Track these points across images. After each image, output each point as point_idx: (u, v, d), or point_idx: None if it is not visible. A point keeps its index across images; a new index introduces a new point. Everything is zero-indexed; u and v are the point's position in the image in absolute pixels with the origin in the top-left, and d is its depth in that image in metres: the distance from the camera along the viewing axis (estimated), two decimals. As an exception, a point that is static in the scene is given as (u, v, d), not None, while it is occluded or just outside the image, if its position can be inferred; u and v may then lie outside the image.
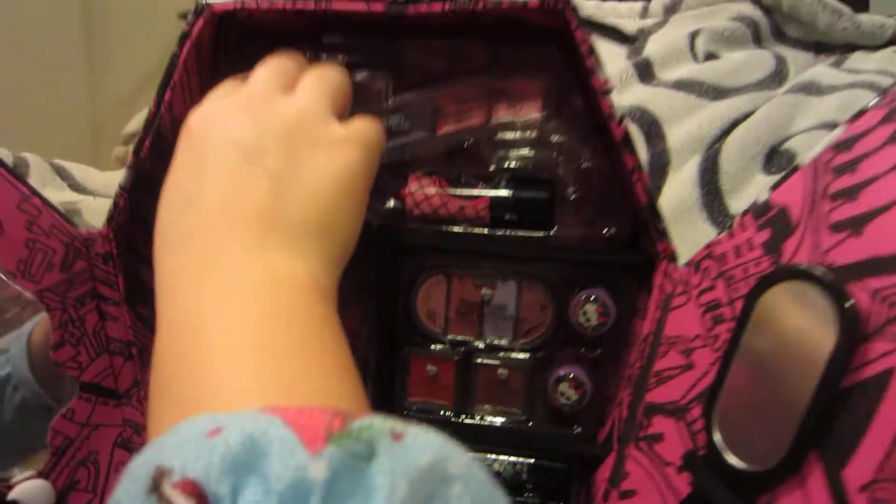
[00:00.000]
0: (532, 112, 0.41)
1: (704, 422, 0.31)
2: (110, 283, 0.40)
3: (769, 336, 0.29)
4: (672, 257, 0.37)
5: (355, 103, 0.39)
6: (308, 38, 0.42)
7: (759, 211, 0.31)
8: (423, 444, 0.19)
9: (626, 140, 0.36)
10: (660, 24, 0.68)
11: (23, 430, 0.43)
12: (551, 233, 0.42)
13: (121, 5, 1.64)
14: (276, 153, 0.31)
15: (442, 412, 0.45)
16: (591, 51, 0.35)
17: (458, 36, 0.41)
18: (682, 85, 0.59)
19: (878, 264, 0.25)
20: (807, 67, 0.64)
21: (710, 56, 0.63)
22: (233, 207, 0.30)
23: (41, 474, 0.38)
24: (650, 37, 0.66)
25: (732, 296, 0.32)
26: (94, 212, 0.74)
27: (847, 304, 0.25)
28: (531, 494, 0.45)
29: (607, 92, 0.35)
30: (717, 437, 0.30)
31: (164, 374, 0.26)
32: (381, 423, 0.19)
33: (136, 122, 1.09)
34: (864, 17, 0.65)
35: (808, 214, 0.29)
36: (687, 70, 0.61)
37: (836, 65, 0.62)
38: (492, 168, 0.42)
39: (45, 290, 0.37)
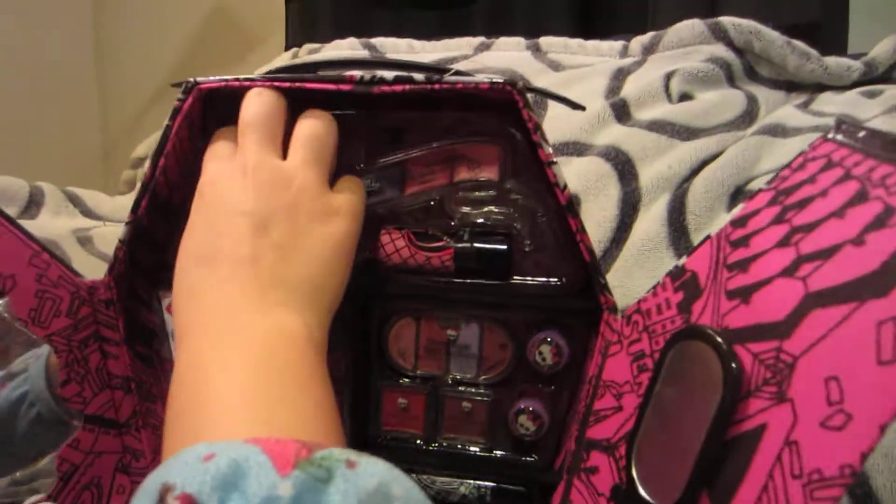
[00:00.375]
0: (490, 174, 0.44)
1: (626, 459, 0.34)
2: (112, 326, 0.44)
3: (675, 386, 0.32)
4: (612, 308, 0.40)
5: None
6: (291, 100, 0.45)
7: (675, 274, 0.35)
8: (371, 470, 0.23)
9: (570, 205, 0.40)
10: (638, 63, 0.70)
11: (35, 442, 0.46)
12: (510, 281, 0.45)
13: (129, 29, 1.67)
14: (281, 226, 0.36)
15: (413, 440, 0.48)
16: (537, 128, 0.39)
17: (428, 106, 0.44)
18: (655, 126, 0.62)
19: (759, 330, 0.28)
20: (778, 105, 0.67)
21: (685, 96, 0.66)
22: (242, 270, 0.34)
23: (50, 497, 0.42)
24: (629, 76, 0.68)
25: (654, 348, 0.35)
26: (104, 238, 0.78)
27: (733, 366, 0.28)
28: (496, 516, 0.48)
29: (551, 164, 0.39)
30: (635, 473, 0.33)
31: (175, 408, 0.31)
32: (339, 454, 0.23)
33: (144, 147, 1.13)
34: (831, 60, 0.67)
35: (712, 281, 0.32)
36: (661, 111, 0.63)
37: (804, 105, 0.64)
38: (454, 223, 0.45)
39: (53, 335, 0.41)
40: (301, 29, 1.32)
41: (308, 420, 0.29)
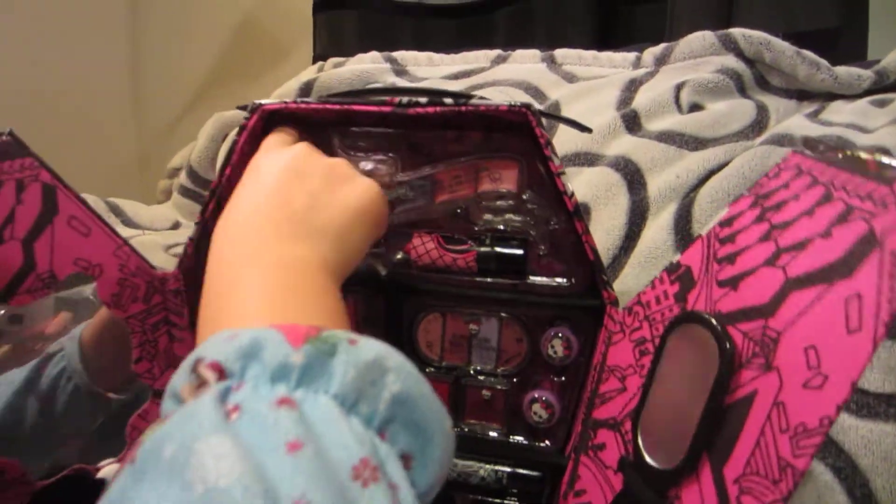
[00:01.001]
0: (509, 186, 0.47)
1: (632, 433, 0.36)
2: (178, 313, 0.46)
3: (675, 365, 0.34)
4: (615, 303, 0.42)
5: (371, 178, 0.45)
6: (337, 125, 0.48)
7: (671, 269, 0.36)
8: (369, 346, 0.25)
9: (577, 210, 0.42)
10: (650, 74, 0.69)
11: (72, 417, 0.48)
12: (526, 281, 0.47)
13: (163, 42, 1.66)
14: (317, 180, 0.39)
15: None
16: (548, 143, 0.41)
17: (456, 127, 0.47)
18: (664, 136, 0.60)
19: (747, 312, 0.30)
20: (789, 114, 0.64)
21: (695, 106, 0.64)
22: (277, 209, 0.37)
23: (120, 460, 0.44)
24: (640, 87, 0.68)
25: (654, 333, 0.37)
26: (145, 246, 0.80)
27: (727, 344, 0.30)
28: (514, 498, 0.49)
29: (560, 175, 0.41)
30: (641, 442, 0.35)
31: (207, 308, 0.33)
32: (342, 334, 0.25)
33: (179, 158, 1.14)
34: (841, 69, 0.64)
35: (704, 273, 0.34)
36: (671, 121, 0.61)
37: (814, 115, 0.62)
38: (478, 229, 0.47)
39: (130, 317, 0.43)
40: (328, 39, 1.31)
41: (320, 317, 0.31)
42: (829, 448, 0.43)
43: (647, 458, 0.33)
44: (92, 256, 0.41)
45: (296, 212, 0.37)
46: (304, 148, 0.41)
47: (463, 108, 0.42)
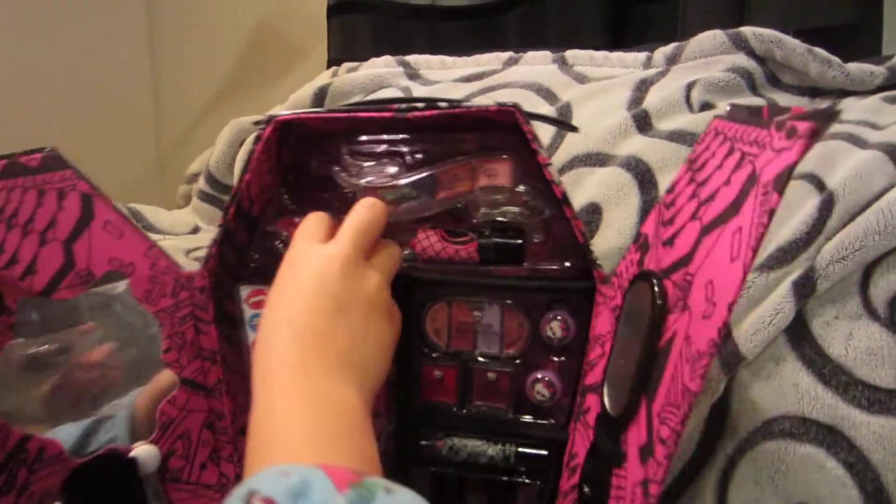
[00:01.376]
0: (504, 180, 0.56)
1: (600, 389, 0.44)
2: (203, 308, 0.57)
3: (628, 322, 0.42)
4: (604, 280, 0.51)
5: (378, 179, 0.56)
6: (345, 135, 0.59)
7: (636, 239, 0.45)
8: (404, 497, 0.32)
9: (565, 197, 0.51)
10: (661, 74, 0.77)
11: None
12: (524, 267, 0.56)
13: (181, 47, 1.85)
14: (359, 314, 0.47)
15: (448, 407, 0.59)
16: (535, 138, 0.50)
17: (453, 130, 0.57)
18: (675, 136, 0.68)
19: (677, 264, 0.39)
20: None
21: (706, 105, 0.72)
22: (321, 342, 0.44)
23: (151, 441, 0.55)
24: (651, 87, 0.75)
25: (623, 298, 0.45)
26: (166, 251, 0.91)
27: (656, 290, 0.38)
28: (522, 476, 0.58)
29: (546, 166, 0.50)
30: (605, 396, 0.43)
31: (256, 440, 0.40)
32: (381, 482, 0.32)
33: (197, 164, 1.27)
34: (853, 66, 0.72)
35: (654, 237, 0.42)
36: (681, 121, 0.69)
37: None
38: (477, 221, 0.57)
39: (160, 311, 0.55)
40: (342, 43, 1.43)
41: (356, 459, 0.38)
42: (840, 443, 0.49)
43: (608, 408, 0.41)
44: (125, 256, 0.53)
45: (339, 349, 0.45)
46: (347, 260, 0.48)
47: (456, 111, 0.51)
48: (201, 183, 1.15)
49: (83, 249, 0.52)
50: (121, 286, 0.54)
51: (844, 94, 0.73)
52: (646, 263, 0.43)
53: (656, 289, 0.39)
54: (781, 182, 0.30)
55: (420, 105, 0.54)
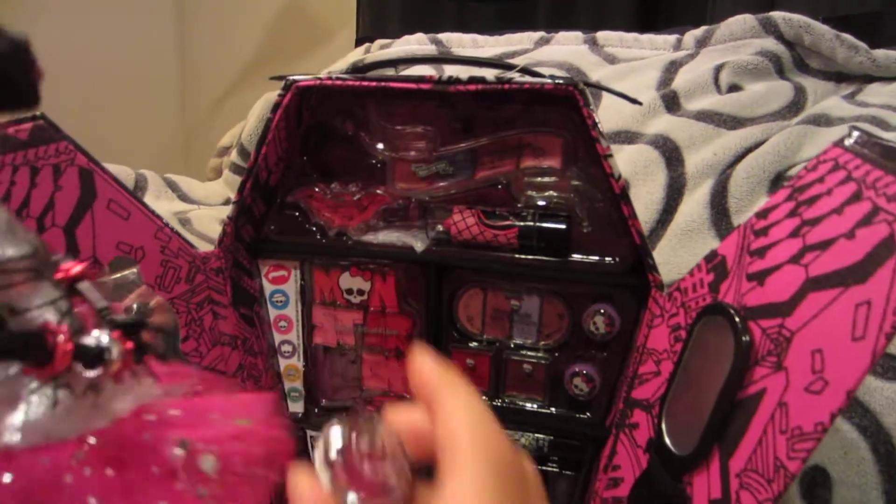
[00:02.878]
0: (553, 162, 0.50)
1: (657, 417, 0.40)
2: (221, 291, 0.52)
3: (699, 354, 0.38)
4: (659, 286, 0.46)
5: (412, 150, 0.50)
6: (374, 94, 0.52)
7: (709, 258, 0.40)
8: None
9: (624, 193, 0.45)
10: (691, 56, 0.75)
11: None
12: (569, 258, 0.51)
13: (209, 24, 1.83)
14: None
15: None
16: (595, 125, 0.44)
17: (497, 99, 0.50)
18: (703, 115, 0.67)
19: (768, 309, 0.34)
20: (827, 96, 0.70)
21: (734, 87, 0.70)
22: None
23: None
24: (680, 69, 0.73)
25: (688, 321, 0.41)
26: (201, 220, 0.89)
27: (744, 339, 0.34)
28: (553, 464, 0.55)
29: (607, 157, 0.45)
30: (664, 427, 0.39)
31: None
32: None
33: (228, 137, 1.24)
34: (879, 53, 0.71)
35: (737, 265, 0.37)
36: (709, 101, 0.68)
37: (851, 96, 0.68)
38: (520, 205, 0.51)
39: (175, 298, 0.50)
40: (371, 22, 1.43)
41: None
42: (855, 408, 0.49)
43: (668, 443, 0.38)
44: (134, 239, 0.47)
45: None
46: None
47: (506, 87, 0.45)
48: (234, 156, 1.14)
49: (87, 234, 0.46)
50: (131, 275, 0.49)
51: (870, 79, 0.74)
52: (721, 291, 0.38)
53: (743, 333, 0.34)
54: (935, 267, 0.25)
55: (464, 77, 0.48)
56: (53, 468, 0.22)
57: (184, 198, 1.00)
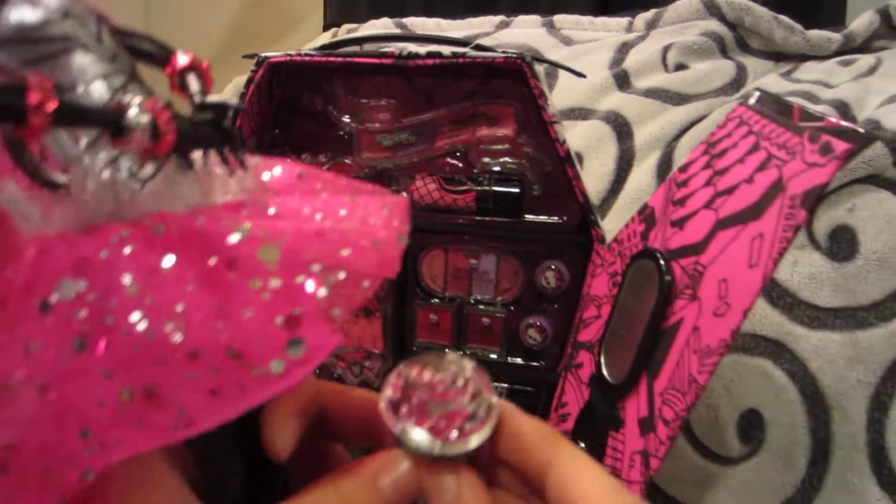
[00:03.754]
0: (506, 130, 0.54)
1: (597, 353, 0.45)
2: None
3: (631, 294, 0.42)
4: (601, 240, 0.51)
5: (376, 122, 0.53)
6: (341, 71, 0.56)
7: (641, 210, 0.45)
8: None
9: (568, 156, 0.50)
10: (641, 38, 0.79)
11: None
12: (521, 219, 0.55)
13: (176, 10, 1.84)
14: None
15: (443, 349, 0.59)
16: (542, 94, 0.49)
17: (455, 73, 0.54)
18: (651, 93, 0.71)
19: (686, 250, 0.38)
20: (766, 74, 0.76)
21: (680, 66, 0.75)
22: None
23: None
24: (631, 50, 0.77)
25: (623, 268, 0.45)
26: None
27: (667, 277, 0.38)
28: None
29: (553, 123, 0.49)
30: (602, 361, 0.44)
31: None
32: None
33: None
34: (813, 33, 0.76)
35: (663, 214, 0.42)
36: (657, 80, 0.73)
37: (788, 74, 0.73)
38: (476, 171, 0.55)
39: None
40: (339, 7, 1.46)
41: None
42: (785, 355, 0.55)
43: (605, 374, 0.42)
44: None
45: None
46: None
47: (461, 61, 0.49)
48: None
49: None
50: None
51: (806, 58, 0.80)
52: (651, 238, 0.43)
53: (665, 272, 0.39)
54: (811, 200, 0.29)
55: (422, 52, 0.52)
56: (94, 244, 0.20)
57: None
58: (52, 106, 0.18)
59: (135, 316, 0.20)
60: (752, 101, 0.38)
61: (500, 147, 0.55)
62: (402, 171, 0.57)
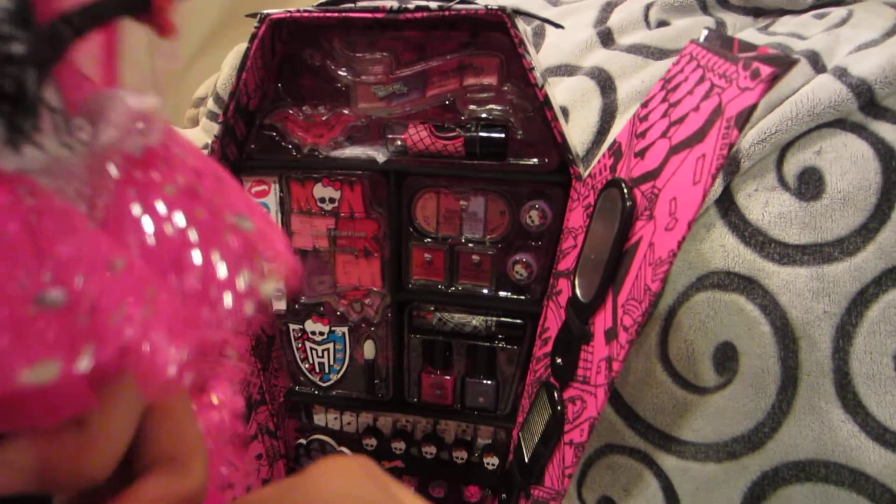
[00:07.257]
0: (491, 79, 0.57)
1: (572, 277, 0.48)
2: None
3: (600, 221, 0.46)
4: (578, 177, 0.54)
5: (371, 74, 0.57)
6: (337, 27, 0.59)
7: (610, 146, 0.48)
8: None
9: (546, 100, 0.53)
10: None
11: None
12: (507, 162, 0.58)
13: None
14: None
15: (437, 286, 0.63)
16: (521, 42, 0.52)
17: (445, 27, 0.57)
18: (633, 49, 0.74)
19: (646, 176, 0.42)
20: (745, 28, 0.77)
21: (662, 23, 0.77)
22: None
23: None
24: (615, 9, 0.79)
25: (596, 199, 0.48)
26: None
27: (628, 203, 0.42)
28: (500, 341, 0.63)
29: (531, 70, 0.52)
30: (576, 283, 0.47)
31: None
32: None
33: (204, 88, 1.29)
34: None
35: (628, 147, 0.45)
36: (639, 36, 0.75)
37: (765, 28, 0.75)
38: (464, 118, 0.59)
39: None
40: None
41: None
42: (757, 290, 0.58)
43: (578, 294, 0.46)
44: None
45: None
46: None
47: (446, 14, 0.52)
48: (210, 104, 1.18)
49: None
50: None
51: (783, 13, 0.80)
52: (618, 170, 0.46)
53: (626, 197, 0.42)
54: (742, 120, 0.32)
55: (411, 6, 0.54)
56: None
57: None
58: None
59: None
60: (701, 38, 0.41)
61: (485, 95, 0.59)
62: (397, 120, 0.60)
